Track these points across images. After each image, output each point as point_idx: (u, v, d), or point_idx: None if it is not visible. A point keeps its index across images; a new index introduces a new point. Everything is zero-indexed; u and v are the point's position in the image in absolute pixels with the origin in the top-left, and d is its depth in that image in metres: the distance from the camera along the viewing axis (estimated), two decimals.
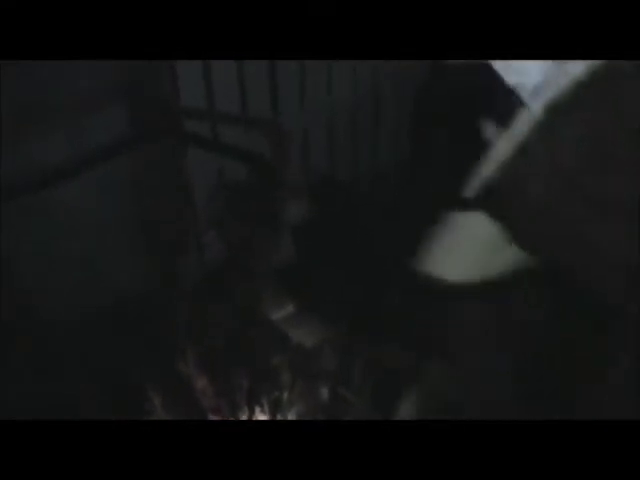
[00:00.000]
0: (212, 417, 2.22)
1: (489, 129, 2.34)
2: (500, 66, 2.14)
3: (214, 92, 2.57)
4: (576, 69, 2.02)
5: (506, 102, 2.34)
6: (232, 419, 2.20)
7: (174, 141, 2.55)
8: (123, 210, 2.50)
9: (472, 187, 2.31)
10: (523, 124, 2.20)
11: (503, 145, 2.28)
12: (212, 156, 2.61)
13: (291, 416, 2.21)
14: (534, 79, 2.12)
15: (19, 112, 2.12)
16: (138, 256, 2.56)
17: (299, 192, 2.53)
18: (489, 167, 2.32)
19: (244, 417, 2.20)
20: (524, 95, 2.18)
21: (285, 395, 2.22)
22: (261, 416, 2.20)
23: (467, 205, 2.48)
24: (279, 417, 2.20)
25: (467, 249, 2.45)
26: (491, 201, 2.31)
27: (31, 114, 2.17)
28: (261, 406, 2.20)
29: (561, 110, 2.09)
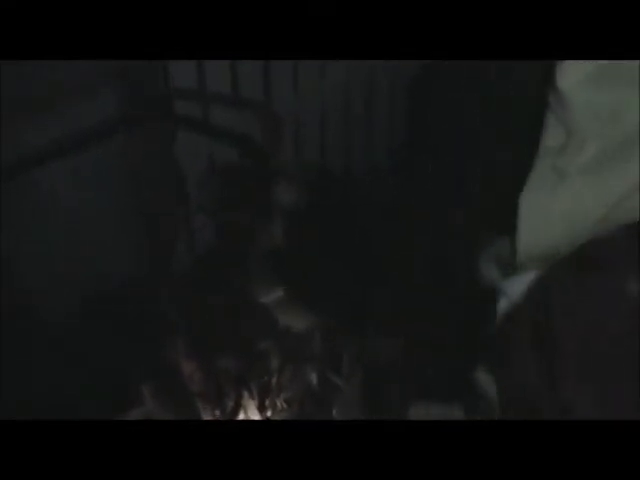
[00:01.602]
0: (200, 403, 2.23)
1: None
2: None
3: (206, 75, 2.56)
4: None
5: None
6: (223, 415, 2.20)
7: (165, 125, 2.54)
8: (112, 195, 2.49)
9: None
10: None
11: None
12: (203, 140, 2.59)
13: (280, 401, 2.22)
14: None
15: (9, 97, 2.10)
16: (128, 243, 2.55)
17: (292, 178, 2.53)
18: None
19: (232, 402, 2.21)
20: None
21: (274, 380, 2.23)
22: (249, 401, 2.21)
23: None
24: (268, 402, 2.21)
25: None
26: None
27: (21, 98, 2.16)
28: (250, 391, 2.21)
29: None
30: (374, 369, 2.32)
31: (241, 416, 2.20)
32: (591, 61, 1.78)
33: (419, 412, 2.23)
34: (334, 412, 2.25)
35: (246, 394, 2.21)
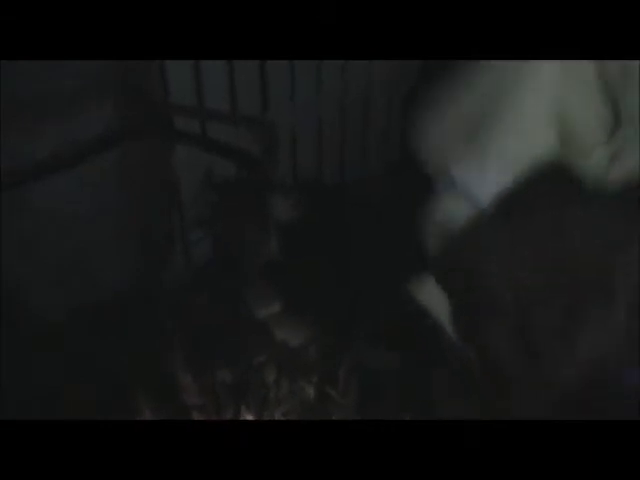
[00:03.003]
0: (197, 416, 2.21)
1: None
2: None
3: (204, 89, 2.56)
4: None
5: None
6: (219, 418, 2.19)
7: (162, 138, 2.54)
8: (110, 208, 2.48)
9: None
10: None
11: None
12: (200, 153, 2.59)
13: (277, 415, 2.21)
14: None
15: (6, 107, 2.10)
16: (125, 254, 2.55)
17: (288, 190, 2.53)
18: None
19: (229, 416, 2.19)
20: None
21: (271, 394, 2.22)
22: (247, 414, 2.19)
23: None
24: (265, 416, 2.20)
25: None
26: None
27: (20, 109, 2.16)
28: (247, 405, 2.20)
29: None
30: (370, 381, 2.31)
31: None
32: None
33: None
34: None
35: (244, 408, 2.19)
